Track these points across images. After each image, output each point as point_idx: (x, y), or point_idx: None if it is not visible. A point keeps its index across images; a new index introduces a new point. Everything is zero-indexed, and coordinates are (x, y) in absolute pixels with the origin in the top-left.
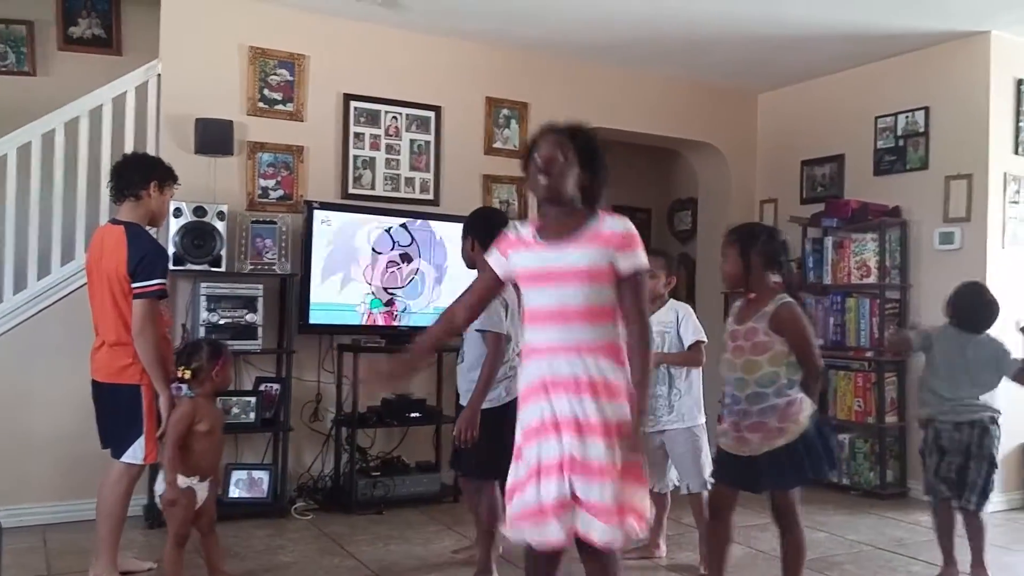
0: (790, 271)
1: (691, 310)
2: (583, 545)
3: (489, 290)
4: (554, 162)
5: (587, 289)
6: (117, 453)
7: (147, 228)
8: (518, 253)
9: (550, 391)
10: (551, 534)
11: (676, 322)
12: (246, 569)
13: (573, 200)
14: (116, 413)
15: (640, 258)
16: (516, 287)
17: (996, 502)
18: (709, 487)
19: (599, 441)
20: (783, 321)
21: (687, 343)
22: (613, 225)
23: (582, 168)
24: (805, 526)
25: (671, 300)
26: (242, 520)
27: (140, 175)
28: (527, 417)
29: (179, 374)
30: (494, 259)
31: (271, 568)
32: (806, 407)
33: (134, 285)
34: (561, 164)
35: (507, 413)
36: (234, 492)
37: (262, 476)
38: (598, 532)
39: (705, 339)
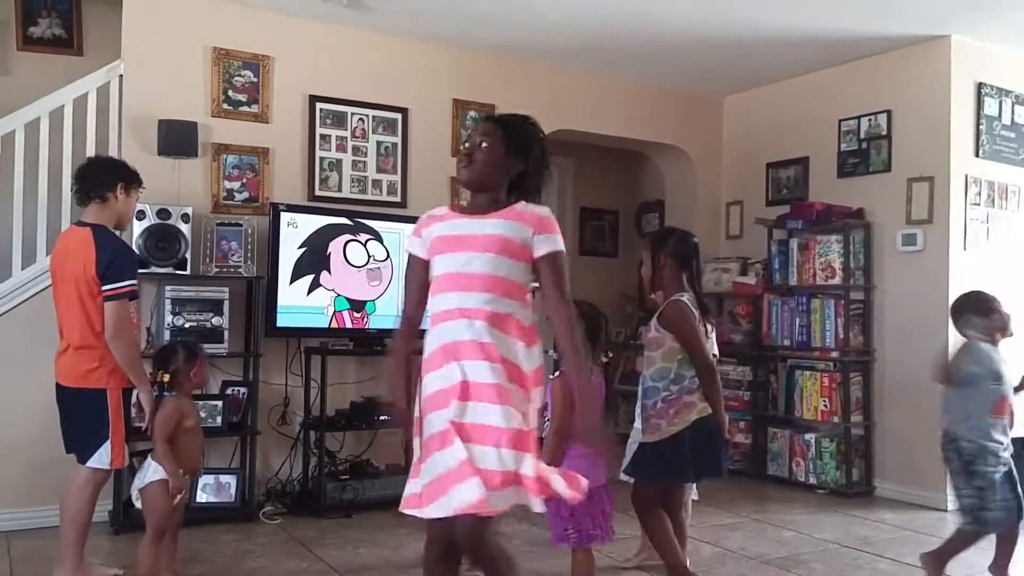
0: (698, 273)
1: None
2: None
3: (426, 277)
4: (476, 150)
5: (496, 259)
6: (82, 458)
7: (113, 229)
8: (431, 227)
9: (449, 358)
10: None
11: None
12: (215, 574)
13: (498, 189)
14: (81, 418)
15: (558, 242)
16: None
17: (952, 500)
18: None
19: (492, 405)
20: (669, 319)
21: None
22: (533, 208)
23: (513, 157)
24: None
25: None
26: (210, 525)
27: (106, 177)
28: (429, 386)
29: (157, 378)
30: (415, 245)
31: (240, 573)
32: (691, 412)
33: (105, 287)
34: (484, 151)
35: None
36: (201, 497)
37: (230, 480)
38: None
39: None
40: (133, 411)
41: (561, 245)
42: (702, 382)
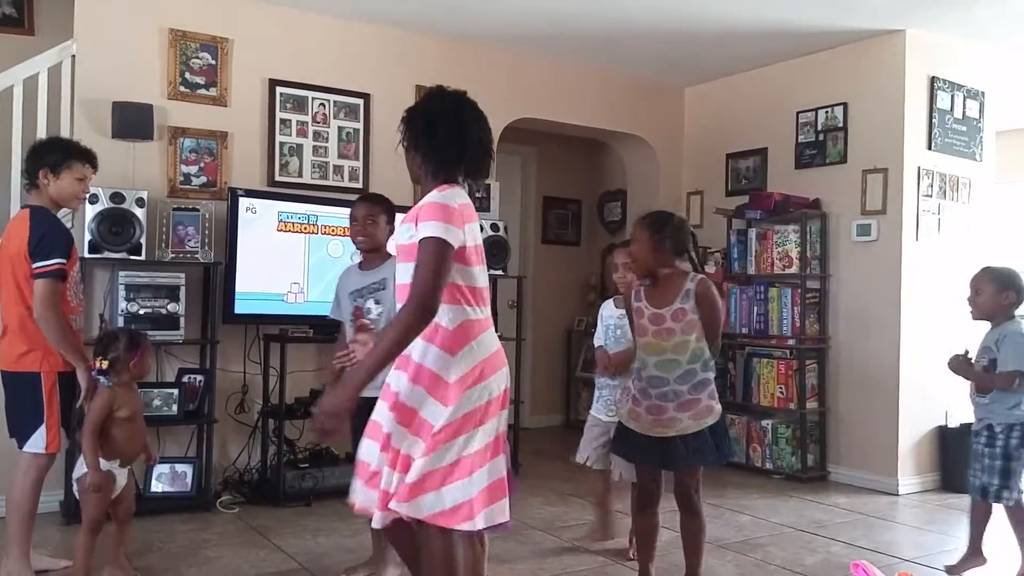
0: (696, 260)
1: None
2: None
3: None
4: (402, 147)
5: (403, 266)
6: (20, 443)
7: (56, 211)
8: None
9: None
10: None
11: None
12: (169, 564)
13: (423, 181)
14: (19, 402)
15: (427, 228)
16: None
17: (911, 484)
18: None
19: (387, 410)
20: (704, 296)
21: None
22: (424, 199)
23: (416, 148)
24: (730, 509)
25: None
26: (165, 515)
27: (31, 163)
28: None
29: (96, 364)
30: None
31: (196, 563)
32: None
33: (34, 265)
34: (405, 150)
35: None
36: (156, 486)
37: (185, 470)
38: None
39: None
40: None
41: (430, 229)
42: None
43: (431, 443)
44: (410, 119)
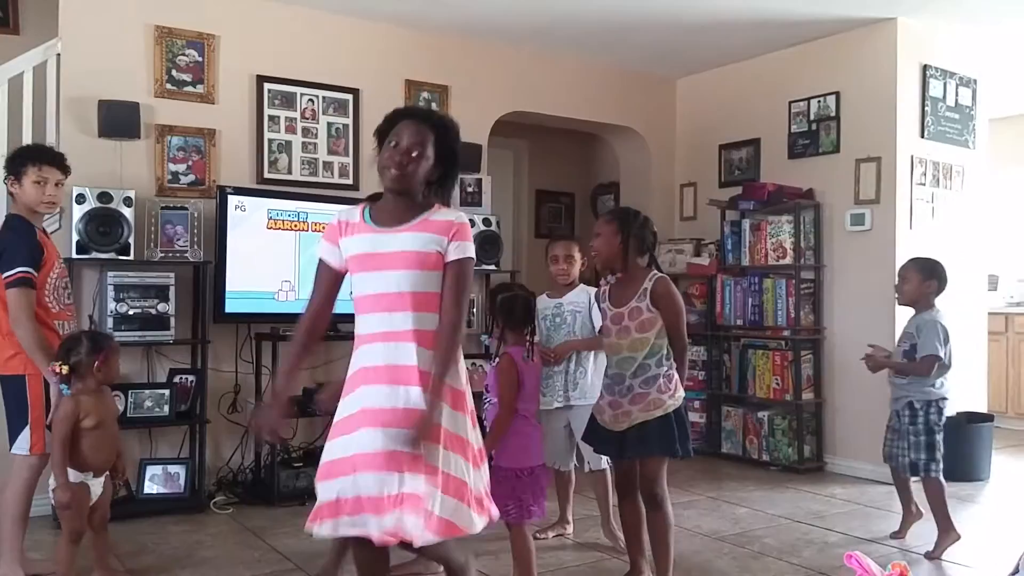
0: (655, 259)
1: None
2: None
3: (333, 285)
4: (411, 154)
5: (414, 275)
6: (11, 445)
7: (34, 218)
8: (349, 239)
9: (369, 381)
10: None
11: (588, 304)
12: (163, 566)
13: (417, 192)
14: (6, 405)
15: (468, 249)
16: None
17: None
18: (609, 464)
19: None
20: (660, 296)
21: (598, 327)
22: (446, 215)
23: (437, 162)
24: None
25: (581, 284)
26: (158, 516)
27: (3, 173)
28: (346, 408)
29: (57, 370)
30: (326, 250)
31: (190, 564)
32: (681, 387)
33: (2, 275)
34: (418, 157)
35: None
36: (150, 488)
37: (178, 471)
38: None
39: None
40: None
41: (470, 251)
42: (681, 361)
43: (473, 459)
44: (450, 135)
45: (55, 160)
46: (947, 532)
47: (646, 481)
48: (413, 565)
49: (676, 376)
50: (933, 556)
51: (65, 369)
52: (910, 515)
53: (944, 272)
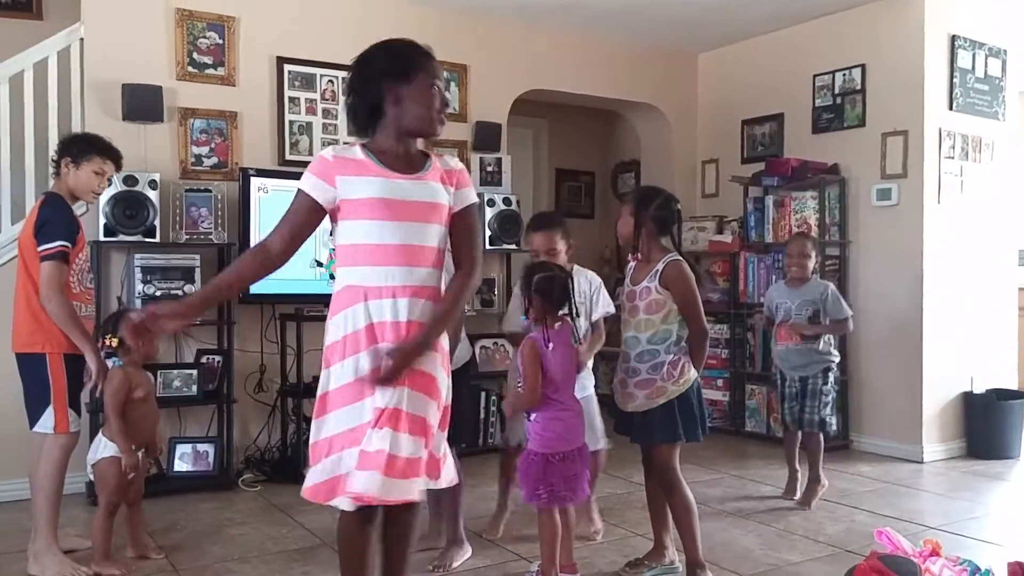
0: (678, 240)
1: (599, 278)
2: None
3: (309, 226)
4: (446, 100)
5: (438, 229)
6: (31, 424)
7: (73, 202)
8: (353, 179)
9: (381, 338)
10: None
11: (590, 291)
12: (193, 543)
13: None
14: (27, 383)
15: (473, 193)
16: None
17: (936, 451)
18: (606, 445)
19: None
20: (670, 278)
21: (593, 318)
22: (446, 162)
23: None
24: (751, 480)
25: (576, 267)
26: (188, 493)
27: (58, 153)
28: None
29: (106, 342)
30: (314, 185)
31: (220, 541)
32: (691, 371)
33: (38, 248)
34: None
35: (463, 378)
36: (179, 466)
37: (207, 449)
38: None
39: (613, 310)
40: (85, 378)
41: (475, 196)
42: (697, 344)
43: (444, 418)
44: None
45: (117, 157)
46: (819, 481)
47: (656, 467)
48: (428, 539)
49: (684, 362)
50: (806, 503)
51: (115, 342)
52: (797, 475)
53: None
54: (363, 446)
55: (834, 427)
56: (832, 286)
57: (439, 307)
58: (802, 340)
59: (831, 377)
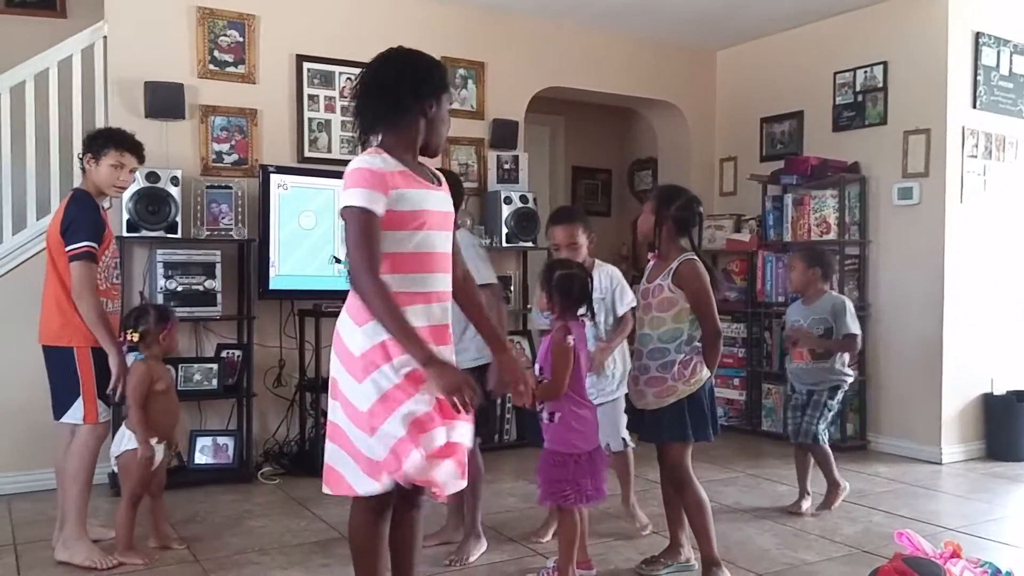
0: (698, 241)
1: (619, 272)
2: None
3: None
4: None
5: (448, 235)
6: (58, 415)
7: (99, 197)
8: (405, 191)
9: (445, 340)
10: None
11: (611, 287)
12: (213, 534)
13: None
14: (55, 375)
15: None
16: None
17: (956, 452)
18: (631, 446)
19: None
20: (683, 277)
21: (619, 313)
22: (435, 170)
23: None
24: (767, 479)
25: (596, 261)
26: (209, 486)
27: (82, 150)
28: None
29: (127, 337)
30: (377, 200)
31: (240, 533)
32: (703, 371)
33: (65, 248)
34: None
35: (481, 375)
36: (200, 459)
37: (227, 442)
38: None
39: (635, 302)
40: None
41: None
42: (709, 345)
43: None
44: None
45: (135, 148)
46: (838, 486)
47: (667, 466)
48: (445, 533)
49: (696, 362)
50: (826, 507)
51: (135, 336)
52: (807, 495)
53: (830, 259)
54: (437, 440)
55: (826, 442)
56: (842, 300)
57: (496, 322)
58: (813, 358)
59: (838, 395)
